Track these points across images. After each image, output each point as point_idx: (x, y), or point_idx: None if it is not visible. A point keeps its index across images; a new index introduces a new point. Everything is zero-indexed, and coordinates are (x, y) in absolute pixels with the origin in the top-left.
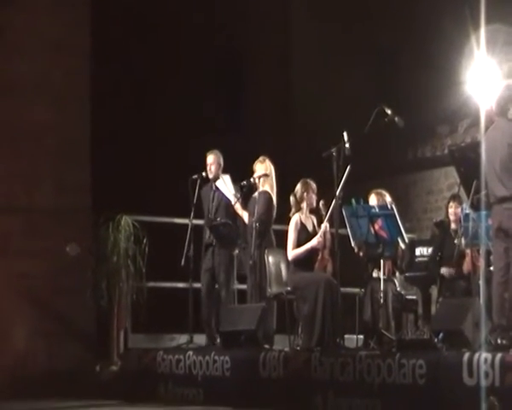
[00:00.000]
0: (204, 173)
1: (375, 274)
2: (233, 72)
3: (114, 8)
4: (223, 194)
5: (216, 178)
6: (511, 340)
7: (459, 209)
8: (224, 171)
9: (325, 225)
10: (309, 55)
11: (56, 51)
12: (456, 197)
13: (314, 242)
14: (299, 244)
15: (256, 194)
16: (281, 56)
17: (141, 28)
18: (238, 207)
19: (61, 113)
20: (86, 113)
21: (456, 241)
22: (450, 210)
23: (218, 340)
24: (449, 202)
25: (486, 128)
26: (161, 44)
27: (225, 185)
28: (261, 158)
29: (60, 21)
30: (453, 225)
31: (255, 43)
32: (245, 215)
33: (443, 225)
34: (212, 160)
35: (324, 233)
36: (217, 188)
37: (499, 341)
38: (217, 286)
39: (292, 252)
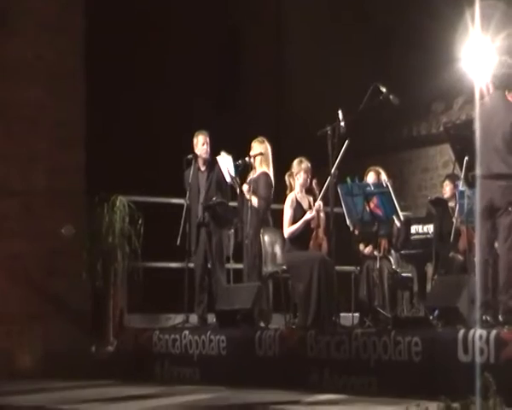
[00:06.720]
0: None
1: (367, 251)
2: (228, 53)
3: None
4: (216, 172)
5: (209, 157)
6: (495, 318)
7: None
8: (219, 152)
9: (318, 203)
10: (303, 35)
11: (50, 32)
12: (450, 176)
13: (308, 215)
14: (294, 222)
15: (253, 174)
16: (275, 37)
17: (135, 6)
18: (236, 186)
19: (55, 94)
20: (81, 94)
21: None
22: (447, 188)
23: (210, 319)
24: (444, 181)
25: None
26: (156, 22)
27: (226, 163)
28: (260, 138)
29: (53, 1)
30: (451, 203)
31: (250, 24)
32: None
33: (440, 202)
34: (203, 139)
35: (318, 212)
36: (216, 164)
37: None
38: (209, 266)
39: (288, 229)
